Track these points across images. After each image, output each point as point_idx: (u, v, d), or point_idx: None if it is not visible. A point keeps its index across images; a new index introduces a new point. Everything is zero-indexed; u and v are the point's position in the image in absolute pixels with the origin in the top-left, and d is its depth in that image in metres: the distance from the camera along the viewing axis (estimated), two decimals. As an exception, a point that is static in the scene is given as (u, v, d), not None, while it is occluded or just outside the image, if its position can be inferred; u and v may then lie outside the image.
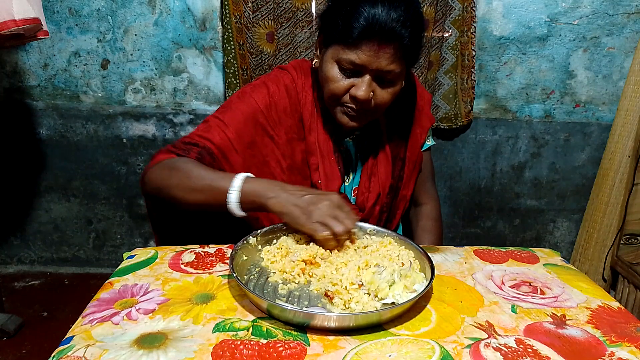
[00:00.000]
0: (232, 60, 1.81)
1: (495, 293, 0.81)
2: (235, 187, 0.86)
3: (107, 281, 0.80)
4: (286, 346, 0.64)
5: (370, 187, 1.11)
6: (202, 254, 0.91)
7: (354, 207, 1.11)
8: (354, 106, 0.96)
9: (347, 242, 0.87)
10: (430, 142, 1.22)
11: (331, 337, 0.66)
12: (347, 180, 1.13)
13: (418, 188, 1.24)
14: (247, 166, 1.04)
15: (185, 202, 0.93)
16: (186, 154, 0.97)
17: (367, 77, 0.93)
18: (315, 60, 1.02)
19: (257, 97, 1.04)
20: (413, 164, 1.18)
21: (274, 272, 0.82)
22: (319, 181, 1.06)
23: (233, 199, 0.86)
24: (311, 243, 0.90)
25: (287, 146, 1.06)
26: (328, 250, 0.85)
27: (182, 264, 0.86)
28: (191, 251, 0.92)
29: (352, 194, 1.13)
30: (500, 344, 0.66)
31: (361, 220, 1.07)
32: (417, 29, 0.93)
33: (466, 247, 0.99)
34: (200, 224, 1.07)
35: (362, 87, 0.93)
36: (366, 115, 0.99)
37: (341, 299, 0.73)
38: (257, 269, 0.84)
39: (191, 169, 0.93)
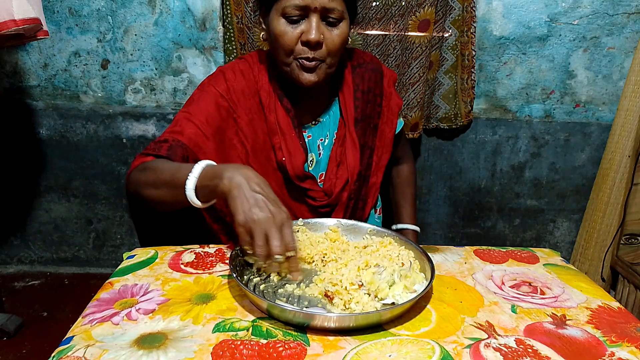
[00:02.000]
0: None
1: (495, 293, 0.81)
2: (195, 173, 0.82)
3: (107, 281, 0.80)
4: (286, 346, 0.64)
5: (337, 174, 1.14)
6: (202, 254, 0.91)
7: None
8: (309, 55, 0.98)
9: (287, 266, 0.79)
10: (400, 124, 1.26)
11: (331, 338, 0.66)
12: (311, 163, 1.15)
13: (398, 151, 1.32)
14: (219, 151, 1.05)
15: (156, 200, 0.92)
16: (157, 152, 0.97)
17: (313, 19, 0.96)
18: (262, 34, 1.06)
19: (216, 84, 1.08)
20: (382, 151, 1.22)
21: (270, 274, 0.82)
22: (283, 158, 1.08)
23: (190, 185, 0.82)
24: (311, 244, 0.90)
25: (249, 127, 1.08)
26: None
27: (182, 264, 0.87)
28: (191, 251, 0.92)
29: (319, 180, 1.15)
30: (500, 344, 0.66)
31: (329, 206, 1.14)
32: None
33: (466, 247, 0.99)
34: (180, 225, 1.09)
35: (311, 30, 0.96)
36: (322, 67, 1.01)
37: (341, 299, 0.73)
38: (257, 269, 0.84)
39: (157, 165, 0.92)
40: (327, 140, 1.16)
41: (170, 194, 0.87)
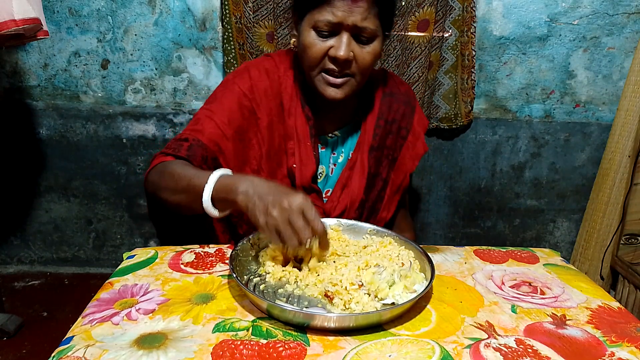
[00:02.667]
0: (232, 61, 1.81)
1: (495, 293, 0.81)
2: (210, 183, 0.83)
3: (107, 281, 0.80)
4: (286, 346, 0.64)
5: (340, 197, 1.11)
6: (202, 254, 0.91)
7: (319, 208, 1.08)
8: (335, 68, 0.96)
9: (319, 250, 0.81)
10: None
11: (331, 338, 0.66)
12: (320, 176, 1.12)
13: (399, 220, 1.24)
14: (238, 152, 1.04)
15: (173, 205, 0.92)
16: (177, 152, 0.97)
17: (344, 36, 0.93)
18: (293, 40, 1.04)
19: (239, 82, 1.05)
20: (397, 187, 1.17)
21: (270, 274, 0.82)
22: (294, 165, 1.06)
23: (206, 197, 0.83)
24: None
25: (268, 129, 1.06)
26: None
27: (182, 264, 0.87)
28: (191, 251, 0.92)
29: (324, 195, 1.13)
30: (500, 344, 0.66)
31: None
32: None
33: (466, 247, 0.99)
34: (201, 225, 1.08)
35: (341, 46, 0.93)
36: (348, 83, 0.98)
37: (341, 299, 0.73)
38: (257, 269, 0.84)
39: (175, 170, 0.91)
40: (341, 158, 1.13)
41: (187, 202, 0.88)
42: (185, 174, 0.89)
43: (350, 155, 1.12)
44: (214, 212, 0.84)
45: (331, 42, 0.95)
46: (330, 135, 1.12)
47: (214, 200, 0.83)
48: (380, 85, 1.13)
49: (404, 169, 1.16)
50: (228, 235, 1.10)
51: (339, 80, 0.97)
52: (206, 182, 0.83)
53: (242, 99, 1.04)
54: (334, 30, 0.94)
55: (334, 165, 1.14)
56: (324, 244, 0.80)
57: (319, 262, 0.82)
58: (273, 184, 0.81)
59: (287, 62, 1.09)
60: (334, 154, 1.13)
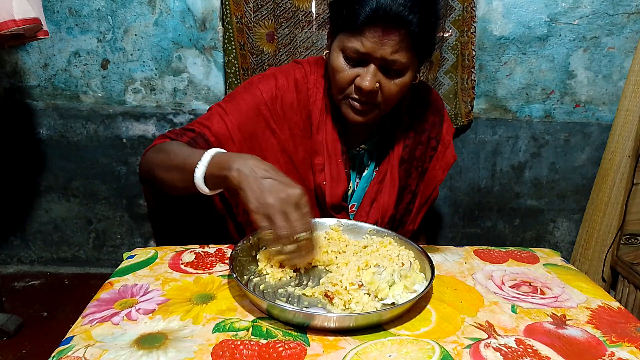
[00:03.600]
0: (233, 61, 1.81)
1: (495, 293, 0.81)
2: (204, 161, 0.81)
3: (107, 281, 0.80)
4: (286, 346, 0.64)
5: (369, 213, 1.07)
6: (202, 254, 0.91)
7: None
8: (359, 98, 0.92)
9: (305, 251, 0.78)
10: None
11: (331, 338, 0.66)
12: (349, 188, 1.08)
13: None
14: None
15: (166, 183, 0.90)
16: (179, 137, 0.95)
17: (372, 67, 0.89)
18: (326, 52, 0.99)
19: (263, 89, 1.00)
20: (425, 199, 1.13)
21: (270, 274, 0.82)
22: (324, 182, 1.03)
23: (199, 174, 0.81)
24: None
25: (290, 142, 1.02)
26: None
27: (182, 264, 0.86)
28: (191, 251, 0.91)
29: (350, 210, 1.10)
30: (500, 344, 0.66)
31: None
32: (428, 15, 0.86)
33: (466, 247, 0.99)
34: (200, 223, 1.07)
35: (366, 77, 0.89)
36: (373, 110, 0.95)
37: (341, 299, 0.73)
38: (257, 269, 0.84)
39: (173, 149, 0.90)
40: (366, 171, 1.09)
41: (180, 179, 0.85)
42: (181, 152, 0.87)
43: (378, 168, 1.08)
44: (204, 188, 0.82)
45: (358, 70, 0.90)
46: (357, 149, 1.08)
47: (207, 178, 0.81)
48: (409, 94, 1.07)
49: (434, 181, 1.12)
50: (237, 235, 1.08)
51: (363, 107, 0.93)
52: (200, 159, 0.81)
53: (262, 107, 1.00)
54: (363, 59, 0.89)
55: (359, 178, 1.10)
56: (311, 245, 0.78)
57: (310, 264, 0.82)
58: (269, 167, 0.78)
59: (318, 73, 1.03)
60: (359, 167, 1.09)
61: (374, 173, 1.09)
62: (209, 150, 0.82)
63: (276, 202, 0.73)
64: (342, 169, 1.03)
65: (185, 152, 0.87)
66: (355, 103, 0.93)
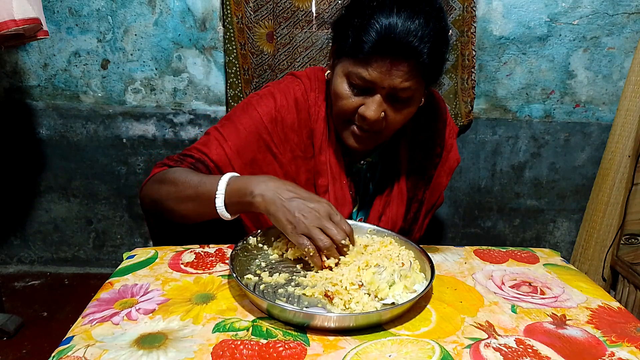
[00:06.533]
0: (233, 61, 1.81)
1: (495, 293, 0.81)
2: (221, 189, 0.81)
3: (107, 281, 0.80)
4: (286, 346, 0.64)
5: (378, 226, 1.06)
6: (202, 254, 0.91)
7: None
8: (362, 126, 0.89)
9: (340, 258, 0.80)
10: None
11: (331, 337, 0.66)
12: (354, 207, 1.07)
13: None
14: None
15: (178, 214, 0.89)
16: (178, 164, 0.93)
17: (377, 97, 0.85)
18: (328, 71, 0.95)
19: (262, 111, 0.96)
20: (431, 206, 1.12)
21: (275, 272, 0.82)
22: None
23: (219, 203, 0.81)
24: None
25: (291, 164, 0.99)
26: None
27: (182, 264, 0.86)
28: (191, 251, 0.91)
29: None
30: (500, 344, 0.66)
31: None
32: (438, 44, 0.82)
33: (466, 247, 0.99)
34: (199, 224, 1.06)
35: (372, 106, 0.85)
36: (375, 138, 0.92)
37: (341, 299, 0.73)
38: (257, 269, 0.84)
39: (178, 178, 0.88)
40: (371, 184, 1.06)
41: (194, 209, 0.86)
42: (191, 181, 0.85)
43: (384, 180, 1.05)
44: (227, 215, 0.84)
45: (363, 98, 0.86)
46: (361, 162, 1.05)
47: (227, 205, 0.82)
48: None
49: (439, 188, 1.10)
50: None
51: (363, 135, 0.90)
52: (217, 188, 0.81)
53: (261, 131, 0.95)
54: (368, 87, 0.84)
55: (364, 192, 1.08)
56: (352, 241, 0.82)
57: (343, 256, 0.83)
58: (291, 185, 0.79)
59: (318, 89, 0.98)
60: (364, 180, 1.07)
61: (380, 186, 1.06)
62: (222, 177, 0.82)
63: (310, 220, 0.76)
64: (347, 191, 1.01)
65: (194, 180, 0.86)
66: (357, 130, 0.90)
